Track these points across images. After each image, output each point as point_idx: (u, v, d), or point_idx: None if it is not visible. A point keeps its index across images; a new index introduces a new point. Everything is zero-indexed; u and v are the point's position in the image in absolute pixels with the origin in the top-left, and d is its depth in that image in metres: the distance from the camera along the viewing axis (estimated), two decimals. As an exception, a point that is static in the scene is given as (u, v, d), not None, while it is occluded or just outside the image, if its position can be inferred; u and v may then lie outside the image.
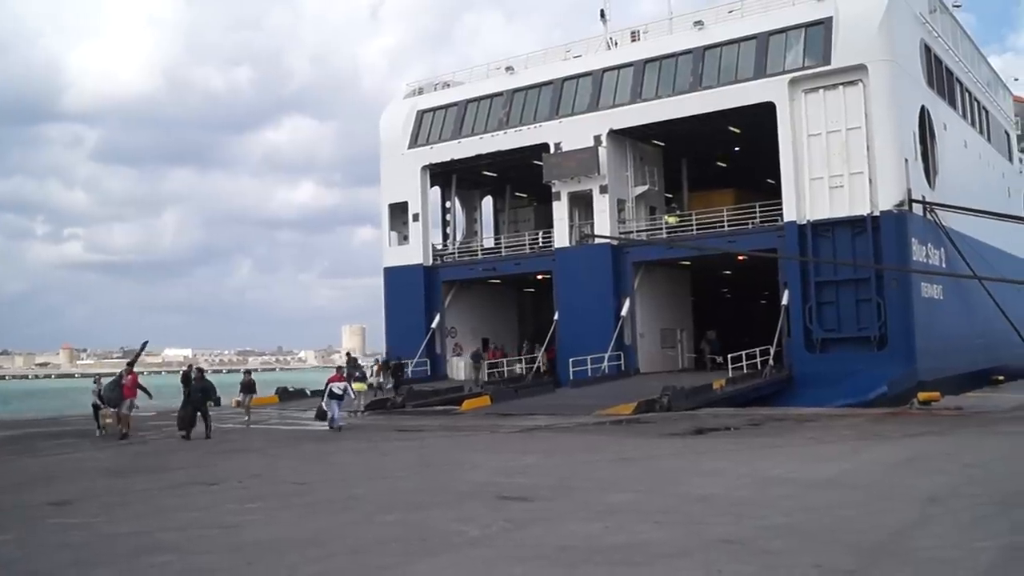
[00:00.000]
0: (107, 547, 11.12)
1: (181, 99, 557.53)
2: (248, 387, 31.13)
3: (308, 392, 41.76)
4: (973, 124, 46.46)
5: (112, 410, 26.36)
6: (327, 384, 28.43)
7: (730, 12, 40.17)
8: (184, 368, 35.34)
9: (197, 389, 25.91)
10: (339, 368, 32.03)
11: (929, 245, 35.94)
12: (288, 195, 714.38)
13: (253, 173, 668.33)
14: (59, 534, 12.01)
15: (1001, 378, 41.08)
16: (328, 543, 10.98)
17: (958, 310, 38.07)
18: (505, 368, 43.91)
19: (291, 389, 42.38)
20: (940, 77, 40.75)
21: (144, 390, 26.72)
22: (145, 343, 31.98)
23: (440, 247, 48.30)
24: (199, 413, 25.52)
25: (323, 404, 28.00)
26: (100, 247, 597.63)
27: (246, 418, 30.27)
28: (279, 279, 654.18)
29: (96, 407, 27.24)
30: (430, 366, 45.41)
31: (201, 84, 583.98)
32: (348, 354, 51.30)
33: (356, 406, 34.32)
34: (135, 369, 27.46)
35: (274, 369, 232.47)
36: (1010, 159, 55.33)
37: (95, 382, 28.42)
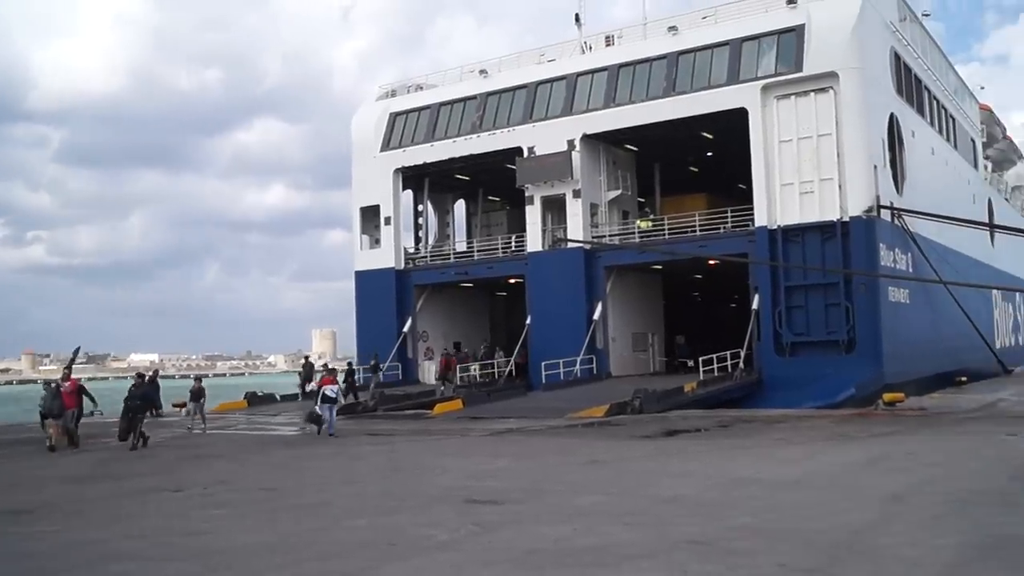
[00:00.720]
0: (68, 555, 11.05)
1: (150, 100, 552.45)
2: (197, 394, 29.76)
3: (278, 397, 41.69)
4: (940, 131, 46.92)
5: (56, 422, 24.34)
6: (319, 387, 27.81)
7: (704, 18, 40.42)
8: (150, 373, 34.95)
9: (135, 396, 24.67)
10: (331, 371, 31.34)
11: (896, 250, 36.31)
12: (258, 197, 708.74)
13: (222, 175, 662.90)
14: (20, 543, 11.92)
15: (964, 379, 41.58)
16: (295, 549, 10.96)
17: (924, 314, 38.48)
18: (477, 372, 43.80)
19: (260, 394, 42.10)
20: (909, 85, 41.15)
21: (89, 396, 25.67)
22: (77, 348, 31.55)
23: (412, 251, 48.20)
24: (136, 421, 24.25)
25: (317, 408, 26.89)
26: (64, 250, 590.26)
27: (197, 426, 28.94)
28: (248, 282, 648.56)
29: (44, 416, 25.63)
30: (401, 370, 45.33)
31: (170, 85, 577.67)
32: (306, 358, 50.97)
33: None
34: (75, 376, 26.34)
35: (243, 374, 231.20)
36: (975, 166, 55.88)
37: (44, 389, 27.08)
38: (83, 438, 25.11)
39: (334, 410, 26.97)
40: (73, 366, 30.60)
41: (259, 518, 13.29)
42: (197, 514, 13.78)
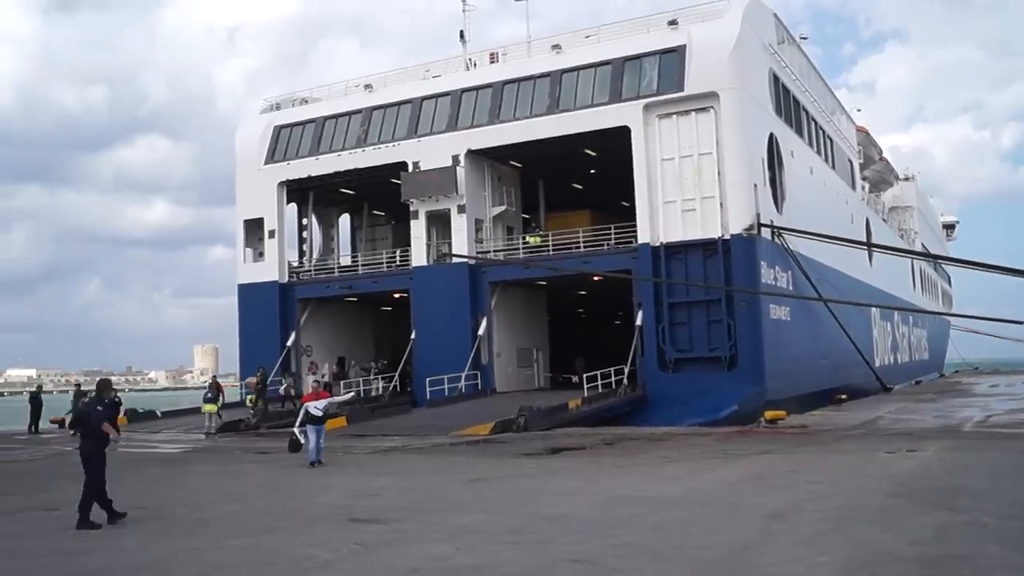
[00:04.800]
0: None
1: (32, 116, 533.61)
2: None
3: (159, 414, 40.67)
4: (819, 152, 48.18)
5: None
6: (301, 405, 23.19)
7: (587, 37, 40.79)
8: (31, 389, 34.06)
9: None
10: (324, 383, 26.44)
11: (777, 268, 37.06)
12: (140, 214, 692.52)
13: (105, 191, 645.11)
14: None
15: (844, 397, 42.59)
16: (171, 569, 10.64)
17: (804, 331, 39.33)
18: (360, 389, 43.16)
19: (140, 411, 40.99)
20: (788, 106, 42.15)
21: None
22: None
23: (296, 264, 47.54)
24: None
25: (295, 432, 22.83)
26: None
27: None
28: (130, 298, 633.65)
29: None
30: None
31: (55, 102, 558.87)
32: (78, 385, 48.82)
33: (207, 428, 33.56)
34: None
35: (124, 390, 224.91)
36: (853, 186, 57.50)
37: None
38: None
39: (322, 431, 22.16)
40: None
41: (135, 538, 12.84)
42: (73, 534, 13.29)
